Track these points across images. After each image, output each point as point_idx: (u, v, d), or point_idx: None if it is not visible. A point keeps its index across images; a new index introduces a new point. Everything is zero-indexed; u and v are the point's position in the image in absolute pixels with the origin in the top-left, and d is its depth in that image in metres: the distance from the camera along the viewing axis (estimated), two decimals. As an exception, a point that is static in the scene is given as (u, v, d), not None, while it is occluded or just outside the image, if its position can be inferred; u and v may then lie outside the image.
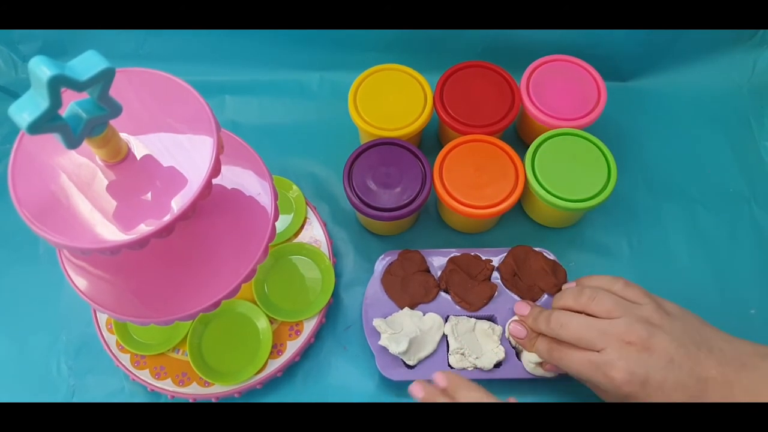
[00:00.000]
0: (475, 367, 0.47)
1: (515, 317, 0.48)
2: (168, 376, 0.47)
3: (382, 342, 0.46)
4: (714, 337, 0.40)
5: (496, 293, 0.50)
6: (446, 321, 0.49)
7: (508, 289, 0.50)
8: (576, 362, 0.42)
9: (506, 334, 0.48)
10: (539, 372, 0.47)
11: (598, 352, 0.41)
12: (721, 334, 0.41)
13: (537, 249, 0.51)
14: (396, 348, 0.46)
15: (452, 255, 0.51)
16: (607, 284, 0.44)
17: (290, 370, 0.49)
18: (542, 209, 0.53)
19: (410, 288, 0.50)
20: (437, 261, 0.51)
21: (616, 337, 0.40)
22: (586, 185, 0.50)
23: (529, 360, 0.47)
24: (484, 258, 0.51)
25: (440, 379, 0.43)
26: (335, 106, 0.60)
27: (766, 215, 0.56)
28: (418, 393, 0.43)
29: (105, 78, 0.29)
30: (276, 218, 0.41)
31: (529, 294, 0.50)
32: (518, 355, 0.48)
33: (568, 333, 0.42)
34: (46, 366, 0.50)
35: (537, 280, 0.50)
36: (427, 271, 0.51)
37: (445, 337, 0.48)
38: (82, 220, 0.33)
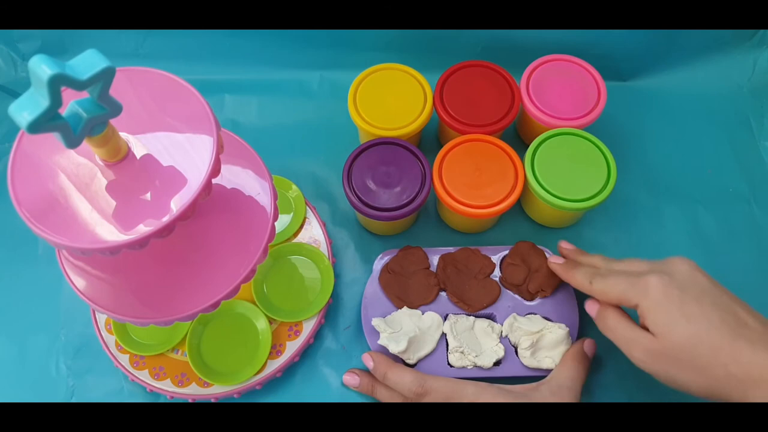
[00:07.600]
0: (475, 366, 0.47)
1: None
2: (167, 376, 0.47)
3: (382, 341, 0.46)
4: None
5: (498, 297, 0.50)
6: (445, 319, 0.49)
7: (507, 288, 0.50)
8: (613, 284, 0.42)
9: (503, 334, 0.48)
10: (534, 364, 0.47)
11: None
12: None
13: (540, 247, 0.51)
14: (395, 347, 0.46)
15: (444, 253, 0.51)
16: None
17: (289, 370, 0.49)
18: (542, 209, 0.53)
19: (410, 289, 0.50)
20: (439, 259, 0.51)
21: (658, 269, 0.41)
22: (586, 185, 0.50)
23: (524, 355, 0.47)
24: (483, 254, 0.51)
25: (366, 358, 0.47)
26: (335, 106, 0.60)
27: (766, 215, 0.56)
28: (353, 382, 0.48)
29: (105, 77, 0.29)
30: (275, 218, 0.41)
31: (529, 294, 0.50)
32: (517, 351, 0.48)
33: (617, 264, 0.44)
34: (45, 366, 0.50)
35: (539, 278, 0.50)
36: (429, 268, 0.51)
37: (444, 335, 0.48)
38: (82, 220, 0.33)
